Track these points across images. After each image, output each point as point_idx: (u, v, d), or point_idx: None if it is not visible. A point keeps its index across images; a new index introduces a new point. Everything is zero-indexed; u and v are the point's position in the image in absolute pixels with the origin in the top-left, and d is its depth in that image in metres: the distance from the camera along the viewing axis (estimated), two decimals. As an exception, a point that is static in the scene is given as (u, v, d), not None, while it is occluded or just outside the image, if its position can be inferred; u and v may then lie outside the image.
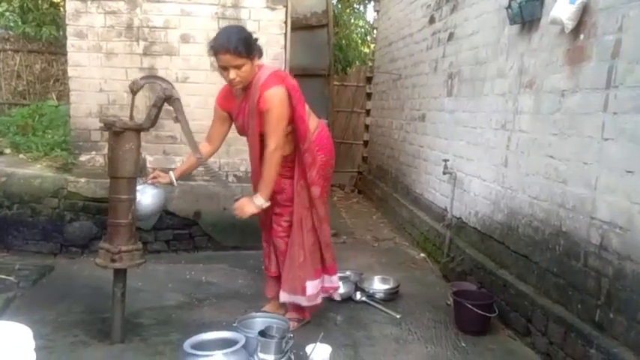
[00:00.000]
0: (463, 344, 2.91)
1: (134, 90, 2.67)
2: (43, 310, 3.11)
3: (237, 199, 2.81)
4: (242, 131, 2.89)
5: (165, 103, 2.71)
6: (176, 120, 2.71)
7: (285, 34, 4.45)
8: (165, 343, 2.78)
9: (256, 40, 2.72)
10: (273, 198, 2.86)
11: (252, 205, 2.74)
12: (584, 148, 2.56)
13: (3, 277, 3.51)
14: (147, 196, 2.78)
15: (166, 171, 2.96)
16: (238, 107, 2.82)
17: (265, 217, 2.99)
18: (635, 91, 2.23)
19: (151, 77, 2.88)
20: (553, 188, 2.81)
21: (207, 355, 2.23)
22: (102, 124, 2.62)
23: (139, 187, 2.73)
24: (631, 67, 2.26)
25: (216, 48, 2.62)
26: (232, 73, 2.62)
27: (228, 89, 2.86)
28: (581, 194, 2.57)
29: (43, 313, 3.06)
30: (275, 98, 2.63)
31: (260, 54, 2.73)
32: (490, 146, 3.60)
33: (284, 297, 2.93)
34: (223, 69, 2.65)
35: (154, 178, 2.87)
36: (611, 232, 2.34)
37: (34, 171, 4.44)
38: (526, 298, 2.95)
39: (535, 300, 2.86)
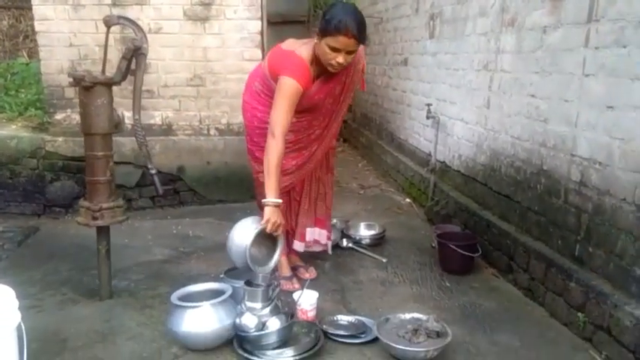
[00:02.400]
0: (447, 284, 2.98)
1: (108, 24, 2.61)
2: (29, 270, 3.11)
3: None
4: (317, 106, 2.71)
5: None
6: (132, 73, 2.62)
7: (261, -23, 4.27)
8: (154, 296, 2.80)
9: None
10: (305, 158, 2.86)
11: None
12: (565, 86, 2.53)
13: (-13, 240, 3.50)
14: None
15: None
16: (322, 84, 2.66)
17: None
18: (617, 24, 2.18)
19: (128, 20, 2.73)
20: (534, 127, 2.81)
21: (195, 306, 2.26)
22: (71, 79, 2.53)
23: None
24: (613, -1, 2.21)
25: (343, 30, 2.39)
26: (342, 58, 2.47)
27: (308, 70, 2.58)
28: (561, 132, 2.57)
29: (30, 274, 3.06)
30: None
31: None
32: (472, 88, 3.56)
33: (297, 245, 3.03)
34: (334, 50, 2.46)
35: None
36: (590, 168, 2.36)
37: (10, 132, 4.33)
38: (508, 236, 3.00)
39: (517, 238, 2.91)
